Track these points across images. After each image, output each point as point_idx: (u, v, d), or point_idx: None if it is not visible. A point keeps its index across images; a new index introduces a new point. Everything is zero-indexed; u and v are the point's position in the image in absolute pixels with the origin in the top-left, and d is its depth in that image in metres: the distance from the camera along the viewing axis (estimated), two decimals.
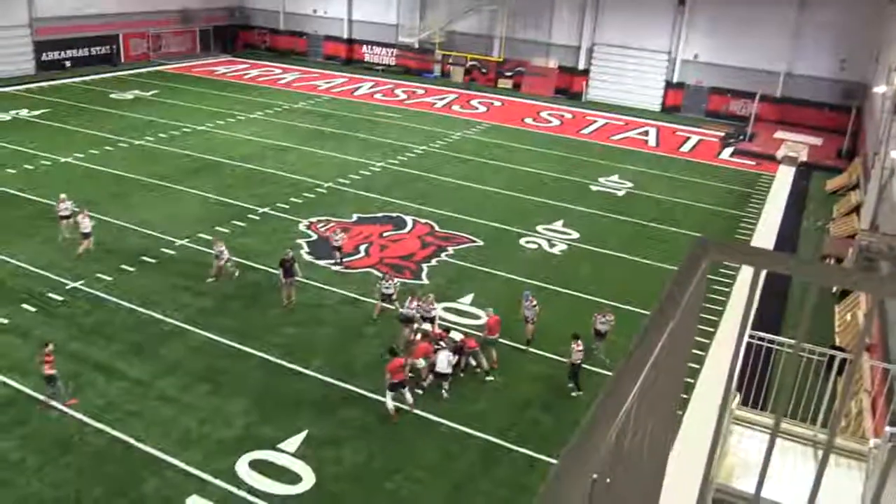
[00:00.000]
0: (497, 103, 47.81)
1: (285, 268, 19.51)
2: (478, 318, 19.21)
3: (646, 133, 42.35)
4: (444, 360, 15.93)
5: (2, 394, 15.24)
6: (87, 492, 12.73)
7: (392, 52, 56.38)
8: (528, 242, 24.82)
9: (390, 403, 14.74)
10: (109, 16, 51.00)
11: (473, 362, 16.91)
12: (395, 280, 19.54)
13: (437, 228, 25.48)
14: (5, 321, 17.96)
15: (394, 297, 19.01)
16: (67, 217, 22.68)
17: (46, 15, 47.66)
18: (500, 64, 52.50)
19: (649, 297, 20.91)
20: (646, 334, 2.02)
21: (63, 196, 23.11)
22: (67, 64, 49.02)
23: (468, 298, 20.42)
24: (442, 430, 14.95)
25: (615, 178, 32.90)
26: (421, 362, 16.26)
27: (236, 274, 20.95)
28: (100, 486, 12.90)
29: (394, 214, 26.60)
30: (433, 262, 22.79)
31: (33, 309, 18.62)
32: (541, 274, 22.33)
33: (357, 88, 49.54)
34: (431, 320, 17.92)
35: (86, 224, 21.81)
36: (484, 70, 53.30)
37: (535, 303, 18.19)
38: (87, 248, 21.85)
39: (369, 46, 57.32)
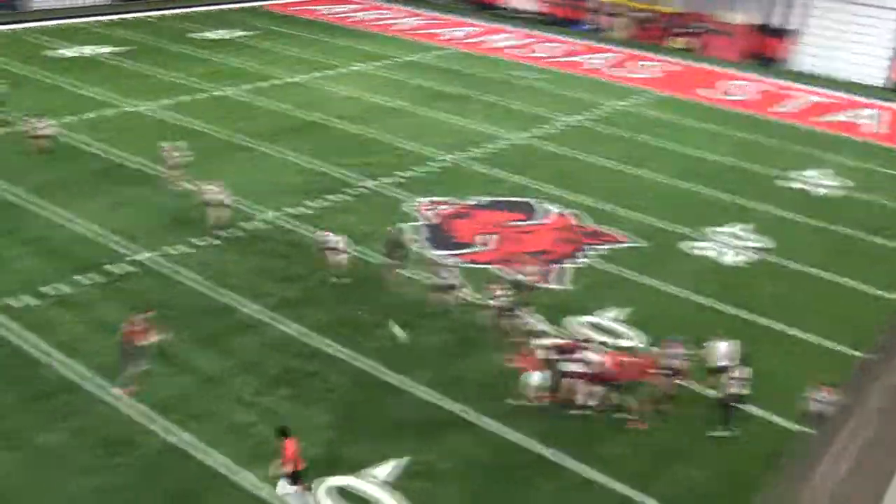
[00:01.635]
0: (667, 67, 47.23)
1: (393, 245, 20.32)
2: (621, 337, 19.27)
3: (865, 116, 40.93)
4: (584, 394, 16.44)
5: (51, 376, 16.53)
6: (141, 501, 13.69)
7: None
8: (694, 249, 24.50)
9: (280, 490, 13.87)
10: None
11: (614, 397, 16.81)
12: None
13: (579, 221, 25.61)
14: (52, 293, 19.38)
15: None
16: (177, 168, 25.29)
17: None
18: (673, 17, 51.74)
19: (862, 334, 20.38)
20: (857, 382, 2.12)
21: (166, 145, 25.62)
22: None
23: (610, 313, 20.42)
24: (565, 472, 15.11)
25: (819, 172, 31.91)
26: (536, 378, 16.41)
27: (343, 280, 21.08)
28: (156, 496, 13.81)
29: (525, 200, 26.89)
30: (569, 263, 22.93)
31: (87, 282, 20.01)
32: (711, 291, 22.01)
33: (490, 41, 50.02)
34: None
35: (215, 193, 22.92)
36: (653, 24, 52.68)
37: (683, 351, 16.92)
38: (219, 222, 22.92)
39: None
